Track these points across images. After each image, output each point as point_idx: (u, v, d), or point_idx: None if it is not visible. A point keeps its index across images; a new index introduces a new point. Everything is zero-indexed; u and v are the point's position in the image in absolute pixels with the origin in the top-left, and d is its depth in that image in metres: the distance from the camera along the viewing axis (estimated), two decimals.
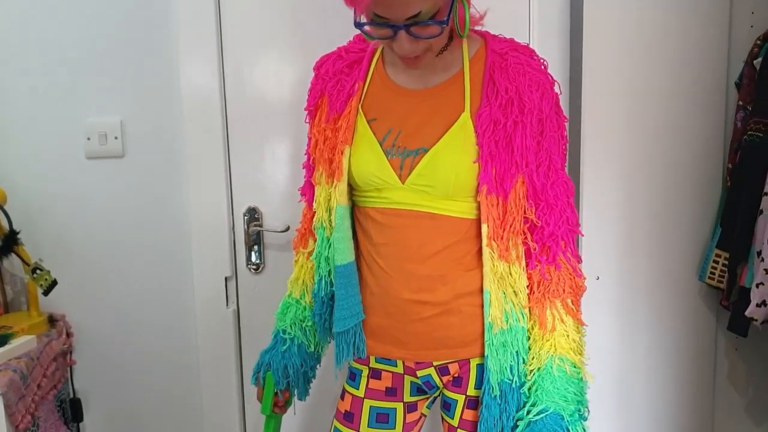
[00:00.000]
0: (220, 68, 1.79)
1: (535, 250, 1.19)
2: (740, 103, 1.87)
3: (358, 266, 1.27)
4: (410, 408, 1.32)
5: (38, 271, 1.68)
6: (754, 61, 1.82)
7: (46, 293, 1.69)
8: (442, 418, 1.30)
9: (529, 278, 1.21)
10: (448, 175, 1.14)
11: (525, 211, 1.17)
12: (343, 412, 1.33)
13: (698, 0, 1.86)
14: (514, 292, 1.19)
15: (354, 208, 1.27)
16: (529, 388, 1.19)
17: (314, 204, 1.30)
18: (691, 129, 1.91)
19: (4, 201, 1.69)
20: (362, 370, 1.31)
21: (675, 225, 1.94)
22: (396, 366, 1.28)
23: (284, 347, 1.36)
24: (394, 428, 1.31)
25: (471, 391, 1.24)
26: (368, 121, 1.20)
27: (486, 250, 1.16)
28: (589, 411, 1.21)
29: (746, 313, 1.72)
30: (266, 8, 1.78)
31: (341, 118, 1.22)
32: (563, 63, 1.89)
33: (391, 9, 1.03)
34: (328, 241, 1.26)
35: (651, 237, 1.93)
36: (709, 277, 1.90)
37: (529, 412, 1.17)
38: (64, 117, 1.75)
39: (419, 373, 1.26)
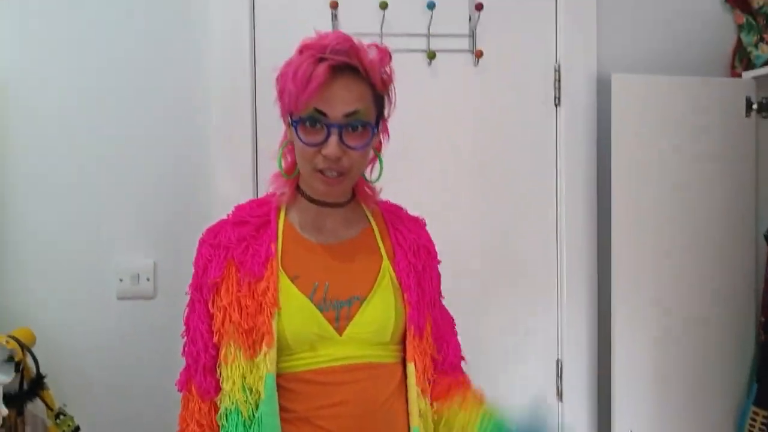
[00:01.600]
0: None
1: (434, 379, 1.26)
2: None
3: None
4: None
5: (62, 417, 1.65)
6: None
7: None
8: None
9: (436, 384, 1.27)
10: (387, 319, 1.18)
11: (432, 349, 1.26)
12: None
13: (724, 154, 1.90)
14: (431, 423, 1.23)
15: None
16: None
17: (225, 385, 1.16)
18: (722, 282, 1.90)
19: (32, 342, 1.69)
20: None
21: (709, 380, 1.89)
22: None
23: None
24: None
25: None
26: (291, 280, 1.17)
27: (414, 390, 1.19)
28: None
29: None
30: None
31: (263, 281, 1.15)
32: (591, 223, 1.94)
33: (331, 103, 1.09)
34: (245, 425, 1.14)
35: (685, 392, 1.88)
36: None
37: None
38: (98, 258, 1.78)
39: None
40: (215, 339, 1.19)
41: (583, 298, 1.92)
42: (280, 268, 1.18)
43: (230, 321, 1.16)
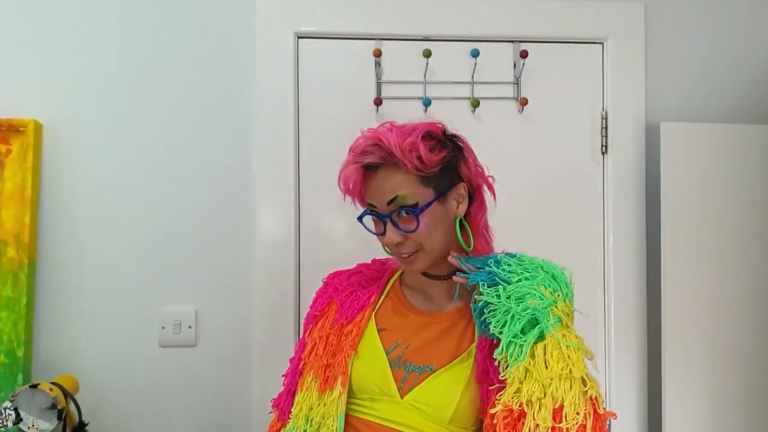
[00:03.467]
0: (296, 265, 1.82)
1: None
2: None
3: None
4: None
5: None
6: None
7: None
8: None
9: None
10: (451, 398, 1.15)
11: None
12: None
13: None
14: None
15: None
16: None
17: (294, 409, 1.25)
18: None
19: (75, 390, 1.70)
20: None
21: None
22: None
23: None
24: None
25: None
26: (378, 330, 1.24)
27: None
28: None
29: None
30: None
31: (351, 324, 1.24)
32: (640, 274, 1.88)
33: (374, 195, 1.19)
34: None
35: None
36: None
37: None
38: (140, 306, 1.79)
39: None
40: (300, 366, 1.29)
41: (632, 352, 1.86)
42: (374, 317, 1.25)
43: (315, 353, 1.26)
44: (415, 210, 1.16)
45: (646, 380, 1.86)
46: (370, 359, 1.21)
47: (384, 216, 1.18)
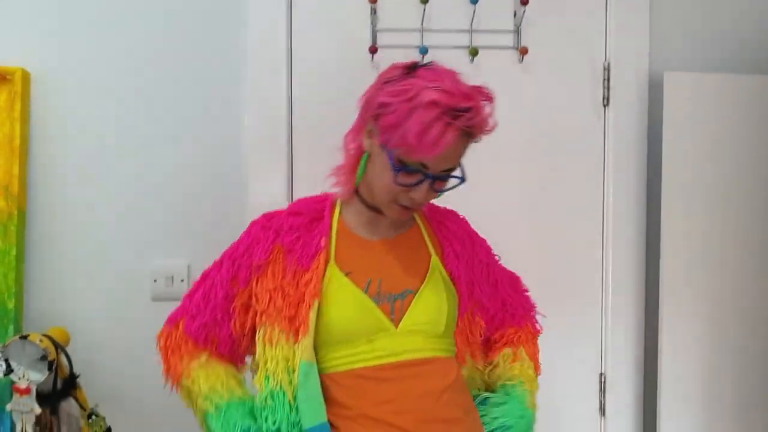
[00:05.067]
0: None
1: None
2: None
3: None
4: None
5: (94, 417, 1.65)
6: None
7: None
8: None
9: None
10: (440, 310, 1.21)
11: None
12: None
13: None
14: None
15: (331, 376, 1.19)
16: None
17: (269, 365, 1.19)
18: None
19: (66, 342, 1.69)
20: None
21: (763, 399, 1.78)
22: None
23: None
24: None
25: None
26: (345, 275, 1.20)
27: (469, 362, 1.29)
28: None
29: None
30: None
31: (308, 273, 1.20)
32: (639, 229, 1.84)
33: (442, 162, 1.13)
34: (290, 407, 1.16)
35: (738, 409, 1.79)
36: None
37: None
38: (133, 259, 1.77)
39: None
40: (260, 319, 1.22)
41: (630, 308, 1.83)
42: (334, 263, 1.21)
43: (274, 306, 1.20)
44: (461, 179, 1.19)
45: (643, 335, 1.85)
46: (352, 304, 1.19)
47: (430, 176, 1.14)
